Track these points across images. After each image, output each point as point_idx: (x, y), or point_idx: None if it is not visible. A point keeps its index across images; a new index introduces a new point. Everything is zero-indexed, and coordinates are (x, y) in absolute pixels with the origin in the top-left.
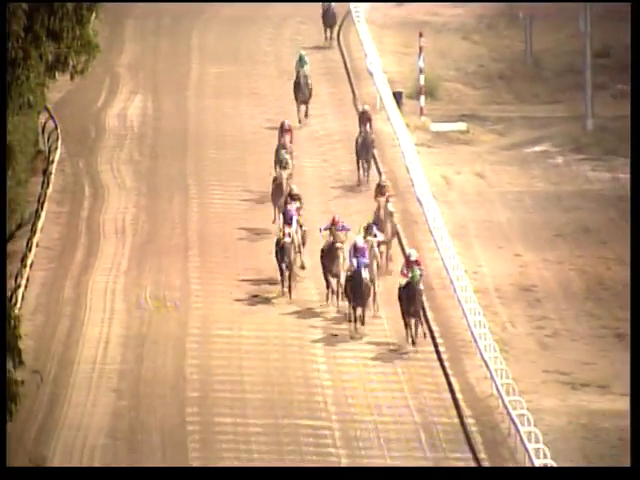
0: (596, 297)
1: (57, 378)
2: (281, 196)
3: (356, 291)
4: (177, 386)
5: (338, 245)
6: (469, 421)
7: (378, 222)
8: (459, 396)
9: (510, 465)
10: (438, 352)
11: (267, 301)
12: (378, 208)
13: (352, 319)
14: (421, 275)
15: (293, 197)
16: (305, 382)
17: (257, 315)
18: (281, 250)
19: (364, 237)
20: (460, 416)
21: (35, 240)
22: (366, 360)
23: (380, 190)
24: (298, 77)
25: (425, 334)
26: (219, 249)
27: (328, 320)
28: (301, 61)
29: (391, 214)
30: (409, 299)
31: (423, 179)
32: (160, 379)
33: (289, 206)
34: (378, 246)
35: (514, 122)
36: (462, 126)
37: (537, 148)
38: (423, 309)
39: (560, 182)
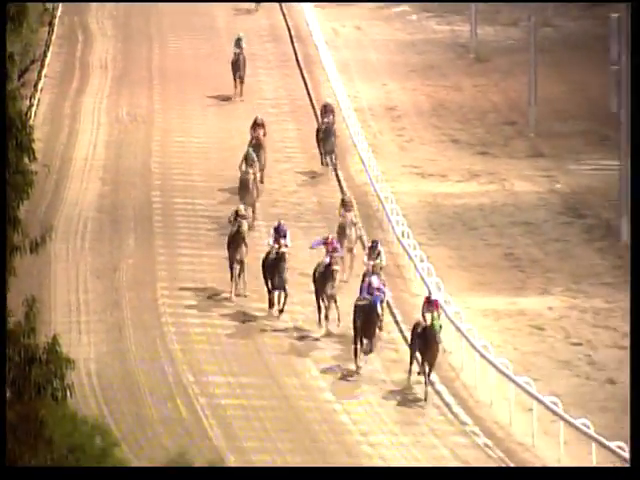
0: (438, 114)
1: (60, 170)
2: (246, 194)
3: (368, 323)
4: (145, 176)
5: (335, 268)
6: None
7: (342, 237)
8: (344, 183)
9: (376, 221)
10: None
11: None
12: (343, 224)
13: (356, 353)
14: (440, 327)
15: (238, 215)
16: None
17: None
18: (272, 264)
19: (368, 258)
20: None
21: (44, 72)
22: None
23: (345, 206)
24: (236, 57)
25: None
26: (176, 80)
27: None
28: (238, 42)
29: (355, 224)
30: (426, 346)
31: (318, 30)
32: (133, 171)
33: (282, 222)
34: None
35: None
36: None
37: (398, 9)
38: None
39: (414, 33)
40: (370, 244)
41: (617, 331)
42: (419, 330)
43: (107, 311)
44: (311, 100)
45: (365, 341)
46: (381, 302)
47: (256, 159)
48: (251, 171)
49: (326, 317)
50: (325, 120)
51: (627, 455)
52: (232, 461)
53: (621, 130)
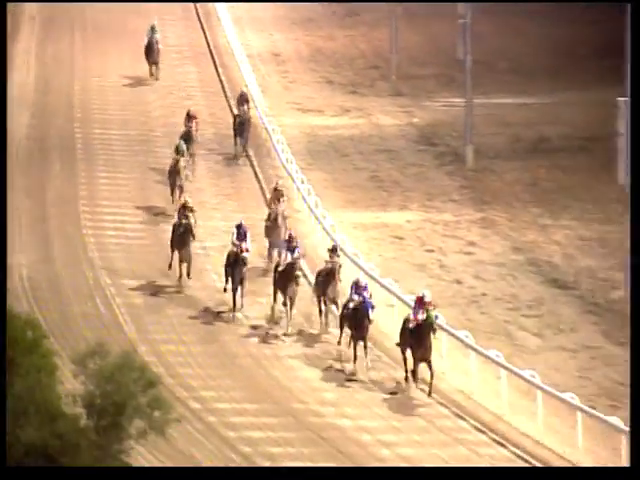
0: (316, 60)
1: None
2: (175, 180)
3: (360, 324)
4: (68, 111)
5: (297, 273)
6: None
7: (274, 227)
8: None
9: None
10: (224, 91)
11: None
12: (275, 214)
13: (355, 355)
14: (436, 317)
15: (186, 208)
16: None
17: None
18: (235, 264)
19: (330, 258)
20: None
21: None
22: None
23: (276, 195)
24: (150, 42)
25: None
26: (96, 29)
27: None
28: (152, 30)
29: (285, 218)
30: (420, 342)
31: None
32: (58, 108)
33: (243, 223)
34: (271, 250)
35: None
36: None
37: None
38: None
39: None
40: (331, 247)
41: (462, 239)
42: (410, 326)
43: (36, 224)
44: (209, 47)
45: (360, 343)
46: (372, 308)
47: (186, 150)
48: (180, 159)
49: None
50: (241, 109)
51: (471, 342)
52: (143, 351)
53: (465, 73)
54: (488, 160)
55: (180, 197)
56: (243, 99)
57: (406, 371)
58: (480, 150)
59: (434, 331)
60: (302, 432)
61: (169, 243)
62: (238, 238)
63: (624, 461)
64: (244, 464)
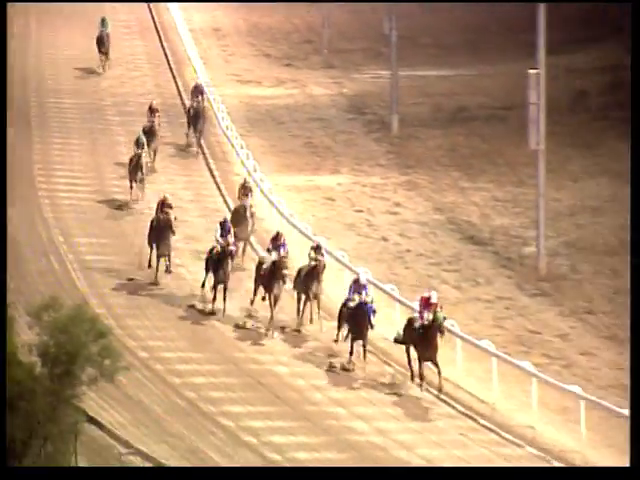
0: (253, 34)
1: None
2: (136, 171)
3: (360, 327)
4: (26, 81)
5: (285, 272)
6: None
7: (240, 220)
8: (181, 83)
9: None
10: (169, 64)
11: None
12: (243, 208)
13: (351, 351)
14: (444, 318)
15: (165, 205)
16: None
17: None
18: (219, 261)
19: (315, 257)
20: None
21: None
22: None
23: (244, 191)
24: (101, 34)
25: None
26: (50, 7)
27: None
28: (103, 22)
29: (252, 214)
30: (427, 342)
31: None
32: (13, 76)
33: (227, 219)
34: (236, 242)
35: None
36: None
37: None
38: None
39: None
40: (315, 245)
41: (388, 201)
42: (416, 326)
43: None
44: (155, 23)
45: (360, 342)
46: (374, 313)
47: (146, 143)
48: (141, 152)
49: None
50: (195, 99)
51: (397, 295)
52: (94, 304)
53: (391, 47)
54: (412, 128)
55: (140, 189)
56: (198, 90)
57: (411, 371)
58: (405, 119)
59: (442, 332)
60: (242, 378)
61: (147, 238)
62: (222, 235)
63: (534, 403)
64: (188, 408)
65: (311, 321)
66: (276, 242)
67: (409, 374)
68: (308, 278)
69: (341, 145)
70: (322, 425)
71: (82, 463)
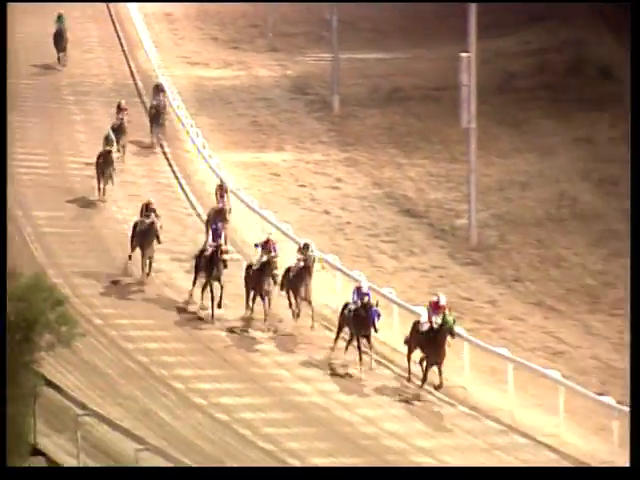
0: (202, 19)
1: None
2: (106, 168)
3: (363, 322)
4: None
5: (275, 272)
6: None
7: (218, 220)
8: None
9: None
10: (122, 46)
11: None
12: (221, 209)
13: (359, 350)
14: (454, 321)
15: (149, 209)
16: None
17: None
18: (211, 262)
19: (303, 255)
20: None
21: None
22: None
23: (221, 192)
24: (58, 30)
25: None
26: None
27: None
28: (60, 19)
29: (229, 211)
30: (435, 346)
31: None
32: None
33: (219, 224)
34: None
35: None
36: None
37: None
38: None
39: None
40: (303, 244)
41: (330, 176)
42: (424, 330)
43: None
44: (108, 8)
45: (364, 341)
46: (378, 317)
47: (115, 140)
48: (111, 149)
49: (251, 310)
50: (157, 98)
51: (338, 264)
52: (51, 274)
53: (332, 32)
54: (352, 107)
55: (105, 187)
56: (159, 89)
57: (409, 372)
58: (345, 99)
59: (453, 336)
60: (192, 343)
61: (129, 240)
62: (214, 239)
63: (466, 365)
64: (141, 372)
65: (297, 316)
66: (267, 246)
67: (407, 375)
68: (297, 279)
69: (285, 124)
70: (267, 386)
71: (40, 424)
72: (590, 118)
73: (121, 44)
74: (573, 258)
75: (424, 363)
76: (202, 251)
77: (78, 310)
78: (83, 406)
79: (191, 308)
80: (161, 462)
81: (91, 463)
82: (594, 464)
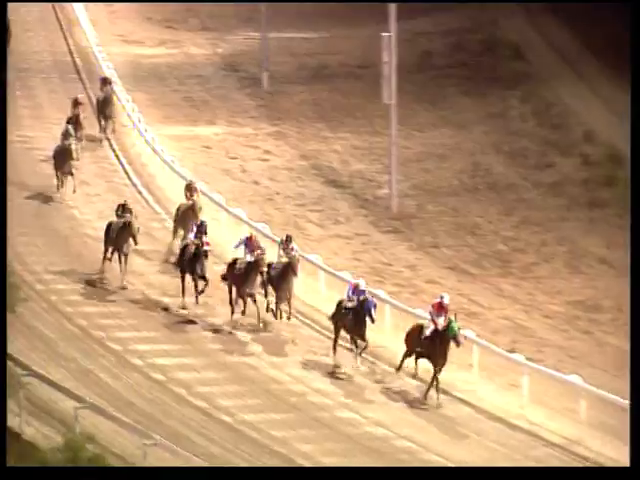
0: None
1: None
2: (65, 162)
3: (360, 325)
4: None
5: (263, 269)
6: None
7: (192, 218)
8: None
9: None
10: (61, 27)
11: None
12: (192, 206)
13: (356, 351)
14: (459, 328)
15: (125, 210)
16: None
17: None
18: (194, 258)
19: (284, 250)
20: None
21: None
22: None
23: (190, 191)
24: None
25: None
26: None
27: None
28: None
29: (200, 209)
30: (439, 349)
31: None
32: None
33: (203, 221)
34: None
35: None
36: None
37: None
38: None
39: None
40: (285, 238)
41: (260, 149)
42: (428, 334)
43: None
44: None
45: (359, 341)
46: (375, 307)
47: (74, 134)
48: (70, 143)
49: (242, 313)
50: (104, 89)
51: (269, 233)
52: None
53: (261, 12)
54: (280, 84)
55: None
56: (106, 82)
57: (400, 365)
58: (274, 76)
59: (458, 344)
60: (130, 307)
61: (104, 241)
62: (197, 236)
63: (388, 329)
64: (80, 335)
65: (243, 313)
66: (252, 245)
67: (397, 366)
68: (280, 277)
69: (217, 99)
70: (203, 349)
71: None
72: (502, 95)
73: (60, 23)
74: (486, 226)
75: (418, 362)
76: (184, 248)
77: (21, 276)
78: (26, 367)
79: (132, 276)
80: (101, 420)
81: (33, 422)
82: (508, 419)
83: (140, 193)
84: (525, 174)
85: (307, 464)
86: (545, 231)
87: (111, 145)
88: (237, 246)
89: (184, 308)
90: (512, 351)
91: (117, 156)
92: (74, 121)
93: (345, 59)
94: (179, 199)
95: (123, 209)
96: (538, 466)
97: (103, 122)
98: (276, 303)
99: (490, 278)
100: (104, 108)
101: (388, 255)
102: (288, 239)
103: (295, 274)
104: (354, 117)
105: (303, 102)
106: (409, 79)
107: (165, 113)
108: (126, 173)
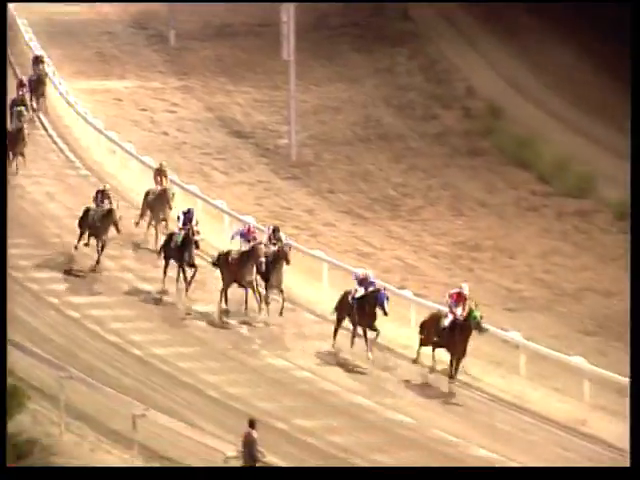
0: None
1: None
2: (17, 144)
3: (370, 316)
4: None
5: (262, 260)
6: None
7: (162, 203)
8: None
9: None
10: None
11: None
12: (163, 191)
13: (366, 341)
14: (481, 316)
15: (104, 196)
16: None
17: None
18: (182, 244)
19: (270, 240)
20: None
21: None
22: None
23: (160, 175)
24: None
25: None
26: None
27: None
28: None
29: (172, 196)
30: (459, 339)
31: None
32: None
33: (190, 208)
34: (157, 223)
35: None
36: None
37: None
38: None
39: None
40: (272, 228)
41: (168, 101)
42: (447, 324)
43: None
44: None
45: (366, 331)
46: (387, 300)
47: (25, 113)
48: (22, 125)
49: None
50: (36, 68)
51: (177, 180)
52: None
53: None
54: (186, 41)
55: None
56: (39, 60)
57: (417, 356)
58: (180, 33)
59: (481, 331)
60: (44, 249)
61: (78, 225)
62: (184, 224)
63: (323, 284)
64: (33, 301)
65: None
66: (248, 235)
67: (415, 358)
68: (270, 266)
69: (127, 55)
70: (116, 287)
71: None
72: (391, 52)
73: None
74: (377, 172)
75: (450, 359)
76: (170, 236)
77: None
78: None
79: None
80: (20, 355)
81: None
82: (395, 348)
83: (56, 143)
84: (412, 125)
85: (214, 395)
86: (430, 177)
87: (31, 98)
88: (233, 237)
89: (164, 293)
90: (402, 288)
91: (39, 117)
92: (20, 102)
93: (246, 18)
94: (94, 149)
95: (102, 195)
96: (538, 466)
97: (35, 101)
98: (266, 289)
99: (381, 221)
100: (38, 87)
101: (288, 200)
102: (275, 230)
103: (287, 262)
104: (255, 72)
105: (207, 58)
106: (306, 37)
107: (78, 68)
108: (41, 122)
